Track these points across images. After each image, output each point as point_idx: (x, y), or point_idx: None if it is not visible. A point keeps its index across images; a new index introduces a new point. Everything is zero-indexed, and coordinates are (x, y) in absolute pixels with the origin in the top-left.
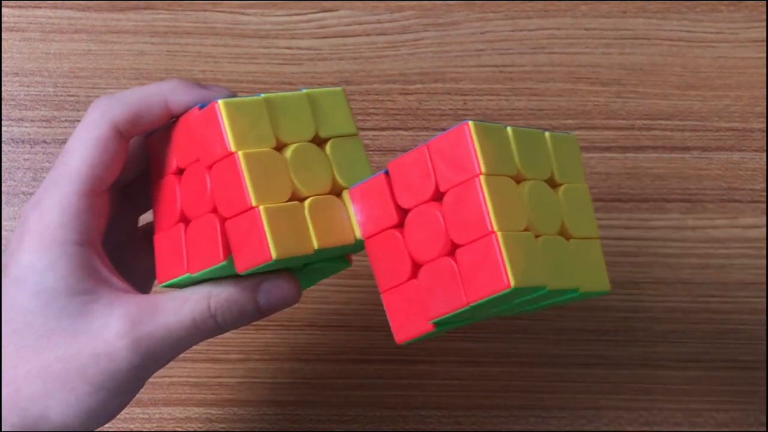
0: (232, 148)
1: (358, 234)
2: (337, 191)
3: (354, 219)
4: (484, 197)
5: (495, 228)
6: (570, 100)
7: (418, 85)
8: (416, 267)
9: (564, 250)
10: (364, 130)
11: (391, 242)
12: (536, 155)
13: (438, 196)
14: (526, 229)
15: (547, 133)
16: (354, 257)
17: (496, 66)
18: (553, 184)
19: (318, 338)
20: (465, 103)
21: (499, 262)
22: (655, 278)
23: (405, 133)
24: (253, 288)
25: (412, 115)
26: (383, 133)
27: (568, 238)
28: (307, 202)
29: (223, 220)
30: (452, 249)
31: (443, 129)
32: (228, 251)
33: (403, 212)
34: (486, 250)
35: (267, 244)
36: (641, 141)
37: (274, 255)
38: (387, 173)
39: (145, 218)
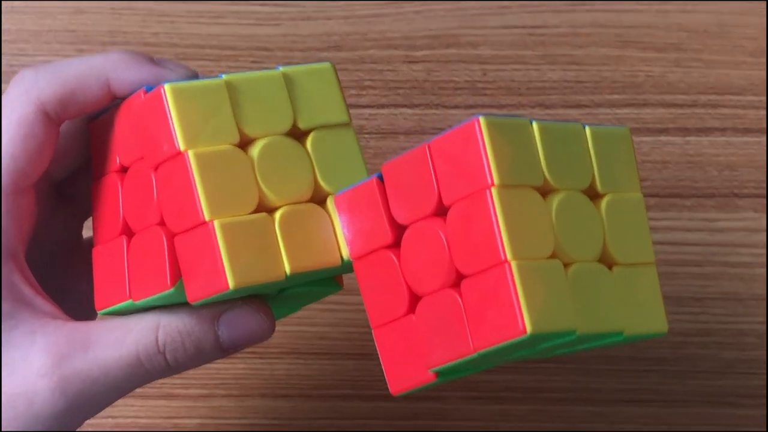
0: (181, 146)
1: (345, 253)
2: (319, 198)
3: (341, 234)
4: (495, 215)
5: (508, 256)
6: (616, 69)
7: (426, 52)
8: (415, 299)
9: (604, 281)
10: (357, 108)
11: (385, 266)
12: (571, 158)
13: (441, 211)
14: (551, 257)
15: (588, 128)
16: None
17: (524, 27)
18: (593, 194)
19: (299, 368)
20: (485, 74)
21: (512, 301)
22: (723, 293)
23: (409, 111)
24: (213, 318)
25: (418, 88)
26: (382, 111)
27: (610, 265)
28: (278, 214)
29: (171, 236)
30: (457, 280)
31: (456, 107)
32: (177, 275)
33: (399, 228)
34: (497, 284)
35: (223, 269)
36: (706, 121)
37: (231, 284)
38: (380, 178)
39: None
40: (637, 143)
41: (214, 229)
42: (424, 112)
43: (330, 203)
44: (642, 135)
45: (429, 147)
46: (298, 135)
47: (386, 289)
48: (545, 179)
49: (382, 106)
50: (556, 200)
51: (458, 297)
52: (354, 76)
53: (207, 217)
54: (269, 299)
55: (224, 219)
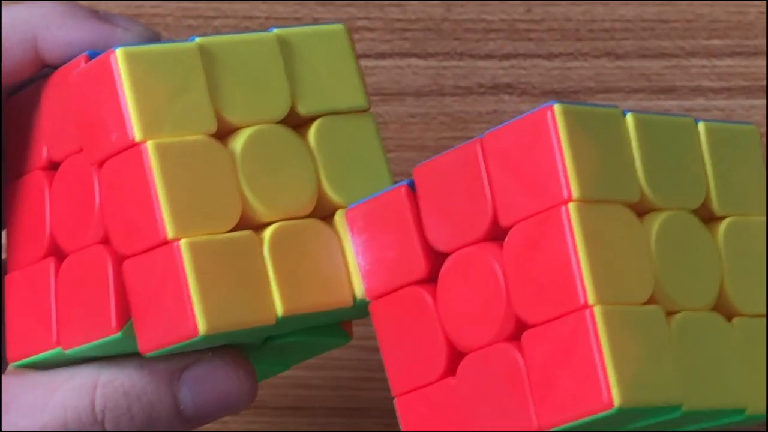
0: (137, 135)
1: (360, 290)
2: (325, 212)
3: (353, 264)
4: (573, 242)
5: (590, 299)
6: (714, 4)
7: None
8: (456, 356)
9: (720, 337)
10: None
11: (415, 309)
12: (679, 165)
13: (497, 234)
14: (649, 302)
15: (702, 124)
16: None
17: None
18: (708, 216)
19: (266, 428)
20: (528, 10)
21: (594, 361)
22: None
23: (422, 63)
24: (172, 375)
25: (434, 30)
26: (382, 62)
27: (730, 315)
28: (267, 233)
29: (119, 260)
30: (517, 330)
31: (489, 56)
32: (126, 315)
33: (436, 257)
34: (574, 337)
35: (191, 308)
36: None
37: (202, 329)
38: (411, 186)
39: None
40: (746, 108)
41: (180, 252)
42: (443, 65)
43: (339, 219)
44: (753, 97)
45: (481, 144)
46: (297, 124)
47: (416, 342)
48: (643, 193)
49: (383, 56)
50: (657, 223)
51: (518, 354)
52: (342, 14)
53: (170, 235)
54: (249, 351)
55: (194, 238)
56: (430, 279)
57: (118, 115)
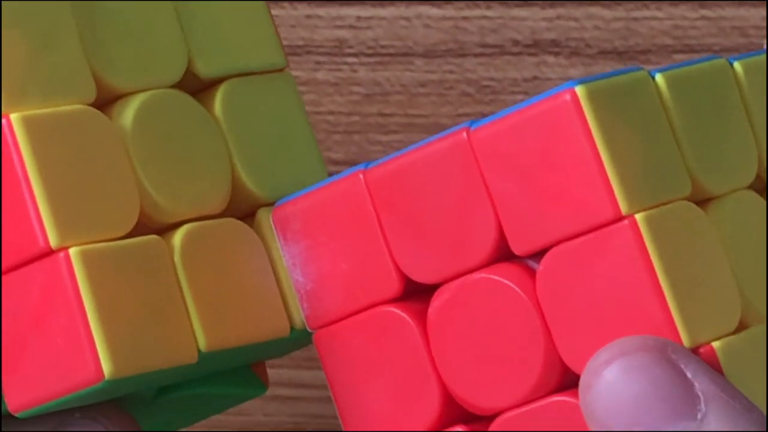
0: None
1: (300, 317)
2: (242, 210)
3: (287, 279)
4: (651, 270)
5: (685, 340)
6: None
7: None
8: (453, 408)
9: None
10: (333, 6)
11: (391, 343)
12: (721, 128)
13: (502, 256)
14: (737, 329)
15: (737, 64)
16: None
17: None
18: (760, 187)
19: None
20: None
21: None
22: None
23: (435, 11)
24: None
25: None
26: (383, 11)
27: None
28: (178, 237)
29: None
30: (563, 381)
31: (528, 2)
32: None
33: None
34: None
35: (89, 342)
36: None
37: (108, 370)
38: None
39: None
40: None
41: (69, 265)
42: (464, 14)
43: (265, 220)
44: None
45: (468, 136)
46: (198, 89)
47: (391, 386)
48: (693, 176)
49: (382, 3)
50: (719, 210)
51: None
52: None
53: (54, 242)
54: (134, 410)
55: (87, 246)
56: (405, 297)
57: None
